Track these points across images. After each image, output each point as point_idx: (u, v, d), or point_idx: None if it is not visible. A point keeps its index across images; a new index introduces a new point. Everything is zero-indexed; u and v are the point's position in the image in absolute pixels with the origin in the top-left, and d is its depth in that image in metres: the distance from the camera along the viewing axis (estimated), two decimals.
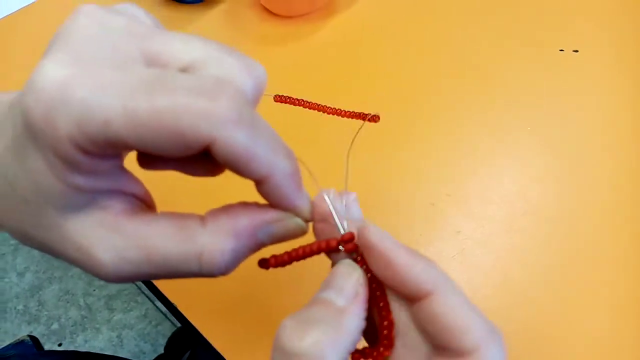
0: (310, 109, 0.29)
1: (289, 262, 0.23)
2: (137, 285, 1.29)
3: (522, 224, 0.43)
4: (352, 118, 0.29)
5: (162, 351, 1.06)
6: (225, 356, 0.38)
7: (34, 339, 0.71)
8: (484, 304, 0.39)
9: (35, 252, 1.35)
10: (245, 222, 0.21)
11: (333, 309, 0.20)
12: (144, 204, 0.23)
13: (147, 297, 1.29)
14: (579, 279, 0.40)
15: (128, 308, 1.28)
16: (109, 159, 0.20)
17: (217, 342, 0.39)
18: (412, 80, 0.52)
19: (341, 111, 0.29)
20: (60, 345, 1.25)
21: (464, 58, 0.54)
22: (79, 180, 0.19)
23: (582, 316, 0.38)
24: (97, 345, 1.24)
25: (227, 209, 0.22)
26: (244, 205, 0.22)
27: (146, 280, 0.42)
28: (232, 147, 0.18)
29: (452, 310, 0.19)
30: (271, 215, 0.22)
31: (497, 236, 0.42)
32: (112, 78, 0.17)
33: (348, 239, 0.22)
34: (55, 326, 1.27)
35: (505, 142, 0.48)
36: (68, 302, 1.30)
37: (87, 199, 0.20)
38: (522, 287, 0.40)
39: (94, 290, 1.30)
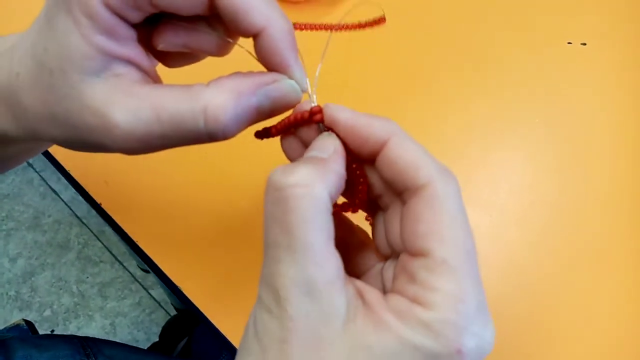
0: (313, 29, 0.30)
1: (274, 134, 0.26)
2: (130, 272, 1.28)
3: (532, 214, 0.43)
4: (357, 29, 0.30)
5: (156, 339, 1.06)
6: (228, 337, 0.38)
7: (29, 323, 0.70)
8: (490, 300, 0.39)
9: (28, 238, 1.33)
10: (245, 82, 0.23)
11: (317, 159, 0.22)
12: (154, 80, 0.25)
13: (142, 285, 1.28)
14: (591, 273, 0.40)
15: (122, 296, 1.27)
16: (129, 24, 0.22)
17: (222, 325, 0.39)
18: (421, 69, 0.52)
19: (346, 25, 0.30)
20: (52, 332, 1.24)
21: (473, 48, 0.54)
22: (102, 40, 0.21)
23: (595, 311, 0.38)
24: (90, 332, 1.24)
25: (229, 75, 0.23)
26: (244, 72, 0.24)
27: (149, 261, 0.41)
28: None
29: (405, 152, 0.22)
30: (268, 77, 0.23)
31: (505, 227, 0.42)
32: None
33: (317, 111, 0.24)
34: (47, 313, 1.26)
35: (514, 133, 0.47)
36: (61, 289, 1.29)
37: (106, 63, 0.22)
38: (532, 282, 0.40)
39: (87, 277, 1.29)
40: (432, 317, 0.19)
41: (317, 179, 0.20)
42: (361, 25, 0.30)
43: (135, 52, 0.23)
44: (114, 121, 0.22)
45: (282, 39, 0.23)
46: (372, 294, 0.21)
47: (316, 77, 0.25)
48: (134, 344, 1.23)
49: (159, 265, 0.41)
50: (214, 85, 0.23)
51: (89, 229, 1.35)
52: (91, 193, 0.43)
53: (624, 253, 0.41)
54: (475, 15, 0.56)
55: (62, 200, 1.39)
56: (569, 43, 0.53)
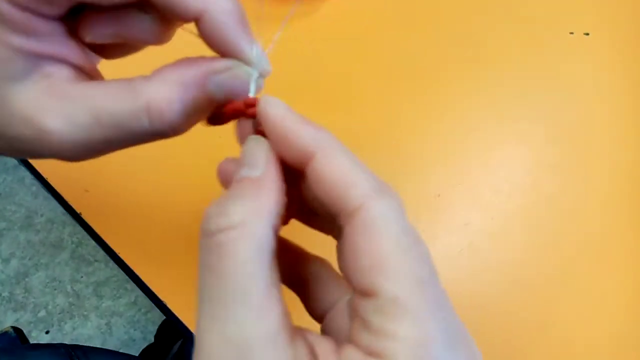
0: None
1: (222, 123, 0.23)
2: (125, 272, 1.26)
3: (534, 214, 0.41)
4: None
5: (152, 339, 1.04)
6: None
7: (18, 330, 0.68)
8: (493, 301, 0.37)
9: (21, 238, 1.31)
10: (192, 71, 0.20)
11: (250, 182, 0.19)
12: (91, 76, 0.23)
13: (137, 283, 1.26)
14: (592, 272, 0.38)
15: (117, 295, 1.26)
16: (48, 19, 0.20)
17: None
18: (417, 65, 0.49)
19: None
20: (47, 332, 1.22)
21: (472, 43, 0.51)
22: (20, 41, 0.19)
23: (597, 313, 0.37)
24: (86, 332, 1.22)
25: (174, 63, 0.21)
26: (192, 58, 0.21)
27: (132, 275, 0.39)
28: None
29: (333, 167, 0.18)
30: (219, 63, 0.21)
31: (508, 228, 0.40)
32: None
33: (251, 103, 0.21)
34: (42, 313, 1.25)
35: (516, 130, 0.45)
36: (55, 289, 1.27)
37: (31, 64, 0.20)
38: (535, 283, 0.38)
39: (82, 277, 1.28)
40: None
41: (252, 215, 0.17)
42: None
43: (63, 47, 0.21)
44: (48, 129, 0.19)
45: (226, 20, 0.20)
46: (323, 346, 0.18)
47: (264, 53, 0.22)
48: (131, 344, 1.22)
49: (142, 278, 0.39)
50: (157, 78, 0.20)
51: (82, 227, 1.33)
52: (70, 202, 0.41)
53: (624, 251, 0.39)
54: (474, 6, 0.54)
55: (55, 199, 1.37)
56: (571, 33, 0.51)
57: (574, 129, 0.45)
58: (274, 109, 0.20)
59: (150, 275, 0.39)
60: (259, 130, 0.21)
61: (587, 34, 0.51)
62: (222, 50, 0.21)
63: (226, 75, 0.21)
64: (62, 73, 0.21)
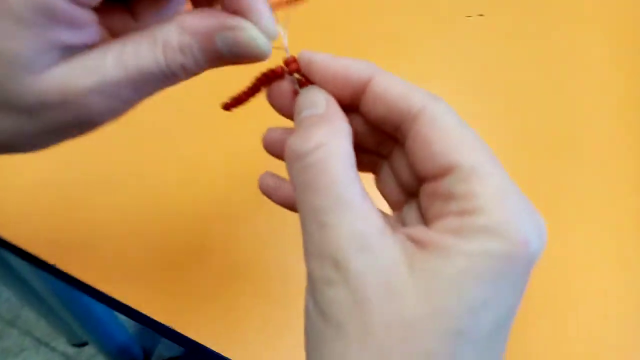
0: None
1: (245, 98, 0.25)
2: (61, 351, 1.16)
3: None
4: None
5: None
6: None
7: None
8: None
9: None
10: (205, 22, 0.22)
11: (317, 116, 0.21)
12: None
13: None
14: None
15: None
16: (86, 8, 0.20)
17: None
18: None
19: None
20: None
21: (378, 32, 0.56)
22: (65, 35, 0.20)
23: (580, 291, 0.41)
24: None
25: (193, 11, 0.22)
26: (211, 10, 0.22)
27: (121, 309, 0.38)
28: None
29: (391, 85, 0.21)
30: (231, 21, 0.22)
31: None
32: None
33: (291, 61, 0.23)
34: None
35: None
36: None
37: (67, 54, 0.21)
38: None
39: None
40: (489, 220, 0.18)
41: (334, 135, 0.20)
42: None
43: (97, 37, 0.22)
44: (78, 88, 0.21)
45: None
46: (417, 231, 0.20)
47: (285, 25, 0.24)
48: None
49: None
50: (173, 24, 0.22)
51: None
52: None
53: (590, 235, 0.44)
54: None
55: None
56: (468, 16, 0.58)
57: (475, 107, 0.51)
58: (320, 54, 0.22)
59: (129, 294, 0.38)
60: (303, 83, 0.23)
61: (482, 15, 0.58)
62: (235, 10, 0.22)
63: (233, 34, 0.22)
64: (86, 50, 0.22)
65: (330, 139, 0.20)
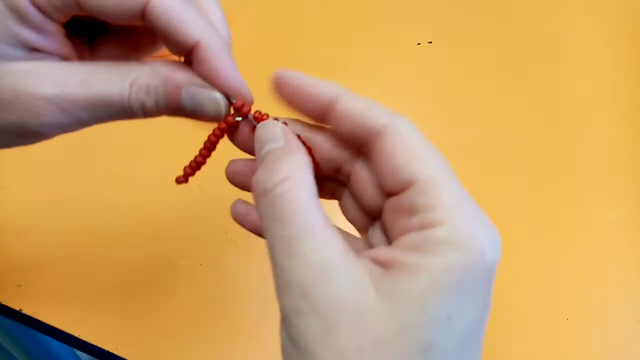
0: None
1: (204, 162, 0.25)
2: None
3: None
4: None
5: None
6: None
7: None
8: None
9: None
10: (178, 74, 0.23)
11: (278, 150, 0.22)
12: None
13: None
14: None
15: None
16: (55, 21, 0.23)
17: None
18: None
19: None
20: None
21: (337, 50, 0.58)
22: (27, 34, 0.22)
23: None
24: None
25: (167, 61, 0.24)
26: (183, 65, 0.24)
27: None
28: (165, 5, 0.22)
29: (357, 103, 0.23)
30: (200, 81, 0.24)
31: None
32: None
33: (241, 105, 0.24)
34: None
35: None
36: None
37: (30, 55, 0.22)
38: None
39: None
40: (447, 232, 0.19)
41: (297, 168, 0.21)
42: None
43: (62, 47, 0.24)
44: (37, 92, 0.22)
45: (221, 51, 0.23)
46: (381, 252, 0.20)
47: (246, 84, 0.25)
48: None
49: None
50: (148, 66, 0.23)
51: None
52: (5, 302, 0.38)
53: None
54: (334, 22, 0.61)
55: None
56: (418, 44, 0.61)
57: (435, 126, 0.54)
58: (293, 72, 0.23)
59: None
60: (258, 118, 0.25)
61: (431, 42, 0.61)
62: (210, 79, 0.24)
63: (200, 91, 0.23)
64: (55, 60, 0.23)
65: (294, 172, 0.21)
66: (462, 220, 0.19)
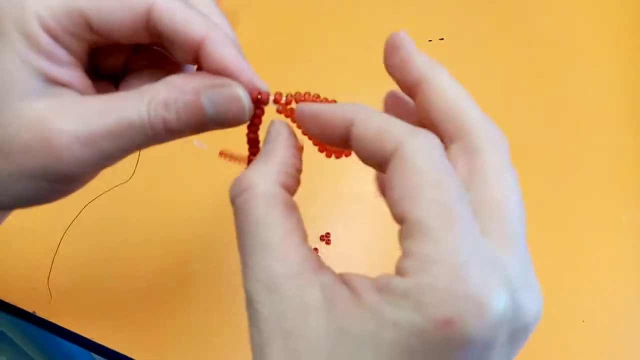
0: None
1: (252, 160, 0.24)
2: None
3: None
4: None
5: None
6: None
7: None
8: None
9: None
10: (192, 81, 0.22)
11: (262, 153, 0.22)
12: None
13: None
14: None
15: None
16: (72, 52, 0.22)
17: None
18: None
19: None
20: None
21: (345, 54, 0.58)
22: (43, 63, 0.21)
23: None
24: None
25: (180, 74, 0.23)
26: (196, 72, 0.23)
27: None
28: (168, 7, 0.22)
29: (368, 125, 0.20)
30: (216, 80, 0.23)
31: None
32: None
33: (256, 97, 0.23)
34: None
35: None
36: None
37: (45, 86, 0.22)
38: None
39: None
40: (408, 284, 0.16)
41: (260, 178, 0.20)
42: None
43: (79, 79, 0.23)
44: (57, 128, 0.21)
45: (227, 45, 0.23)
46: (360, 281, 0.18)
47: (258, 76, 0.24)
48: None
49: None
50: (162, 82, 0.22)
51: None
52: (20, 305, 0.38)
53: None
54: (344, 18, 0.61)
55: None
56: (429, 40, 0.60)
57: None
58: (308, 105, 0.22)
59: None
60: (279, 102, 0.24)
61: (442, 39, 0.60)
62: (220, 71, 0.23)
63: (219, 91, 0.22)
64: (71, 94, 0.23)
65: (256, 181, 0.20)
66: (431, 277, 0.16)
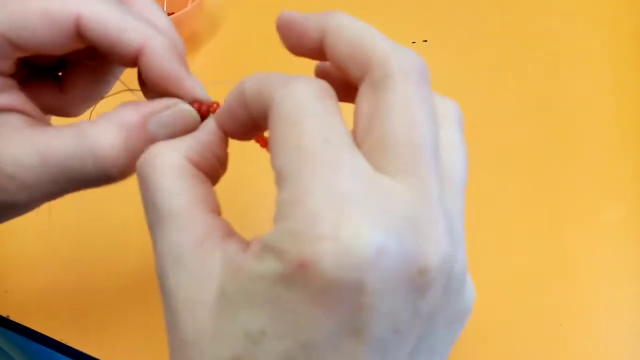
0: None
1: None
2: None
3: None
4: None
5: None
6: None
7: None
8: None
9: None
10: (134, 112, 0.21)
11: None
12: (40, 121, 0.23)
13: None
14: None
15: None
16: (1, 72, 0.21)
17: None
18: None
19: None
20: None
21: None
22: None
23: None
24: None
25: (117, 107, 0.22)
26: (134, 102, 0.22)
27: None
28: (97, 16, 0.21)
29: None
30: (159, 103, 0.22)
31: None
32: None
33: (198, 108, 0.23)
34: None
35: None
36: None
37: None
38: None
39: None
40: (271, 235, 0.16)
41: (167, 148, 0.19)
42: None
43: (15, 100, 0.22)
44: None
45: (167, 56, 0.22)
46: (254, 238, 0.18)
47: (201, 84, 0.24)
48: None
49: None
50: (101, 121, 0.21)
51: None
52: None
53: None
54: None
55: None
56: (413, 42, 0.60)
57: None
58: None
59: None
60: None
61: (426, 41, 0.60)
62: (162, 84, 0.22)
63: (167, 114, 0.22)
64: (13, 121, 0.22)
65: (165, 151, 0.19)
66: (287, 221, 0.15)
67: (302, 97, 0.17)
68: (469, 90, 0.56)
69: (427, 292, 0.16)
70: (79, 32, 0.21)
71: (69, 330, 0.38)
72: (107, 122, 0.21)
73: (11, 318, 0.38)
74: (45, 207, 0.40)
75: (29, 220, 0.43)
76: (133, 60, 0.22)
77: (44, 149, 0.21)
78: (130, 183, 0.40)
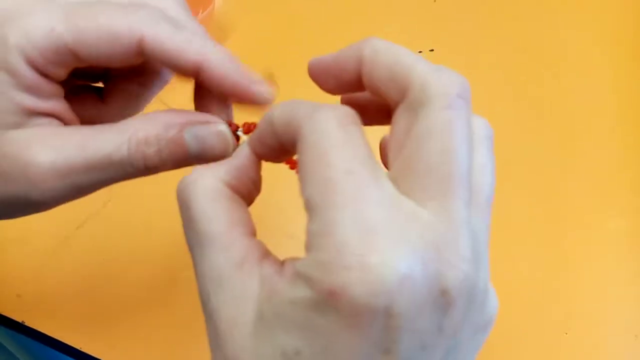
0: None
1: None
2: None
3: None
4: None
5: None
6: None
7: None
8: None
9: None
10: (175, 117, 0.22)
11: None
12: None
13: None
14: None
15: None
16: (53, 80, 0.22)
17: None
18: None
19: None
20: None
21: None
22: (25, 98, 0.21)
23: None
24: None
25: (163, 110, 0.23)
26: (177, 110, 0.23)
27: None
28: (158, 36, 0.21)
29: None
30: (201, 116, 0.23)
31: None
32: None
33: (242, 125, 0.24)
34: None
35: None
36: None
37: (27, 118, 0.22)
38: None
39: None
40: (302, 263, 0.17)
41: (205, 173, 0.20)
42: None
43: (60, 108, 0.23)
44: (35, 161, 0.21)
45: (226, 65, 0.22)
46: (286, 263, 0.18)
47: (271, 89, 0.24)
48: None
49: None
50: (144, 117, 0.22)
51: None
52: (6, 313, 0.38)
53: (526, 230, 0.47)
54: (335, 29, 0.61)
55: None
56: (419, 52, 0.61)
57: None
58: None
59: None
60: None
61: (432, 50, 0.61)
62: (225, 88, 0.23)
63: (203, 128, 0.23)
64: (53, 125, 0.23)
65: (203, 176, 0.20)
66: (318, 252, 0.16)
67: (326, 127, 0.17)
68: (475, 99, 0.56)
69: (450, 310, 0.16)
70: (139, 51, 0.22)
71: (80, 334, 0.39)
72: (149, 119, 0.22)
73: (26, 324, 0.38)
74: (61, 212, 0.41)
75: (41, 226, 0.44)
76: (193, 74, 0.23)
77: (83, 139, 0.21)
78: (141, 189, 0.41)
